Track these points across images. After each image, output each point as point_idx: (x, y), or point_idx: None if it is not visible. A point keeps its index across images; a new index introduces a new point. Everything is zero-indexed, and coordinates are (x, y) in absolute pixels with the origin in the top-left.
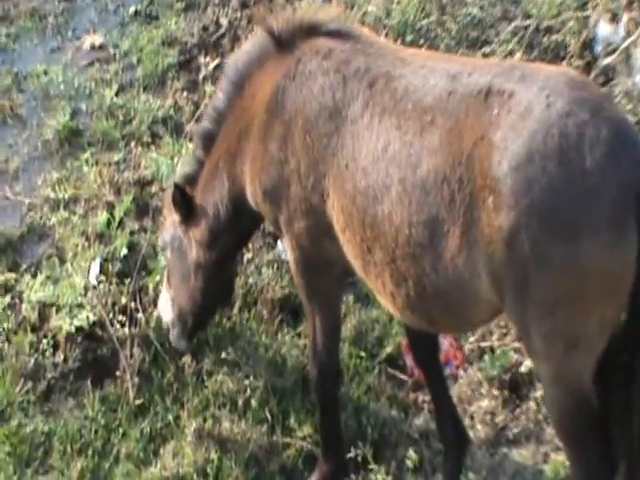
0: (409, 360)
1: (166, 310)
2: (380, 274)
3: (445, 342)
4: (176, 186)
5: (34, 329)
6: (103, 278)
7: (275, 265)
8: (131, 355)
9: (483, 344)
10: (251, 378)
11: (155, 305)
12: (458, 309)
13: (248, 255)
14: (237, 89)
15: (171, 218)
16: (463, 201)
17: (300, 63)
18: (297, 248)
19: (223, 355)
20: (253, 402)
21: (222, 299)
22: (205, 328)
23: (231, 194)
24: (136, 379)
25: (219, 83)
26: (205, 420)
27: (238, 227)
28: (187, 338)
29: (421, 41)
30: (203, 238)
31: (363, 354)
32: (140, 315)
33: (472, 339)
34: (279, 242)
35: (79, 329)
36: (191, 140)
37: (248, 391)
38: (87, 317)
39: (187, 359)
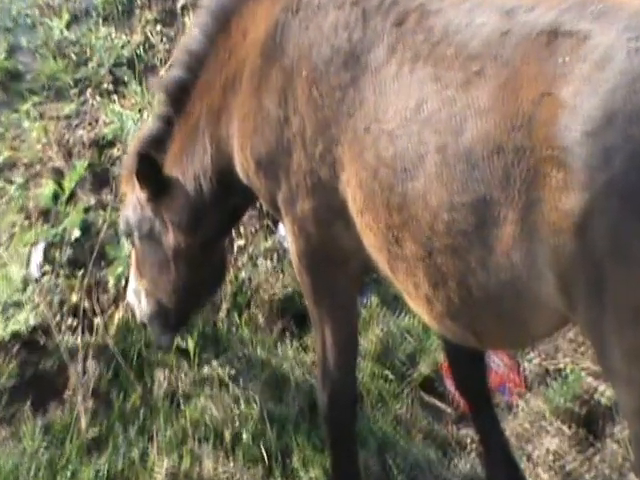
0: (450, 384)
1: (139, 305)
2: (411, 272)
3: (498, 361)
4: (141, 156)
5: None
6: (48, 268)
7: (275, 256)
8: (84, 371)
9: (548, 364)
10: (242, 403)
11: (116, 305)
12: (513, 318)
13: (239, 242)
14: (220, 24)
15: (134, 194)
16: (520, 177)
17: None
18: (301, 235)
19: (205, 371)
20: (244, 435)
21: (211, 288)
22: (191, 319)
23: (215, 163)
24: (90, 402)
25: (196, 16)
26: (181, 458)
27: (226, 204)
28: (170, 332)
29: None
30: (182, 219)
31: (390, 375)
32: (97, 319)
33: (533, 357)
34: (280, 226)
35: (15, 335)
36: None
37: (238, 420)
38: (26, 319)
39: (159, 376)
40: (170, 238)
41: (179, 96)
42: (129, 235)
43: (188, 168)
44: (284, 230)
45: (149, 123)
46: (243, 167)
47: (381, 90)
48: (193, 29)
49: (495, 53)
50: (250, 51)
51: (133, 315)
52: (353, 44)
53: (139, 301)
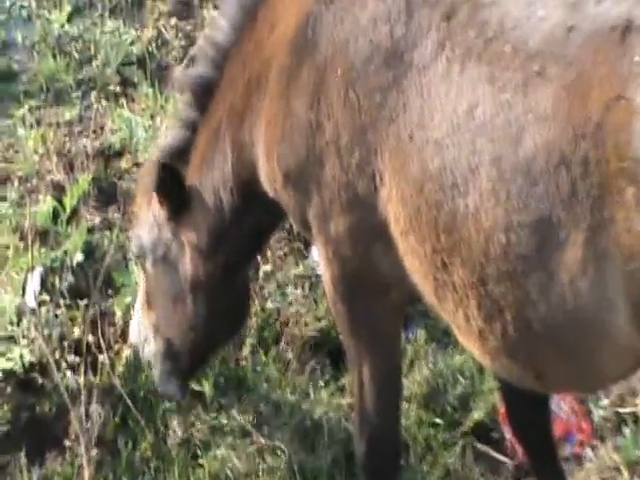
0: (508, 431)
1: (143, 342)
2: (461, 302)
3: (564, 407)
4: (164, 166)
5: None
6: (46, 298)
7: (306, 284)
8: (87, 415)
9: (622, 410)
10: (268, 454)
11: (124, 340)
12: (580, 356)
13: (266, 268)
14: (247, 15)
15: (150, 211)
16: (588, 193)
17: None
18: (335, 259)
19: (226, 417)
20: None
21: (232, 327)
22: (204, 366)
23: (237, 173)
24: (94, 452)
25: (222, 4)
26: None
27: (250, 223)
28: (178, 380)
29: None
30: (200, 242)
31: (439, 421)
32: (102, 356)
33: (605, 402)
34: (313, 249)
35: (8, 374)
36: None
37: (263, 474)
38: (21, 356)
39: (173, 423)
40: (188, 264)
41: (204, 97)
42: (140, 259)
43: (207, 179)
44: (317, 254)
45: (174, 127)
46: (269, 179)
47: (427, 92)
48: (219, 19)
49: (559, 51)
50: (278, 47)
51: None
52: (395, 40)
53: (145, 339)
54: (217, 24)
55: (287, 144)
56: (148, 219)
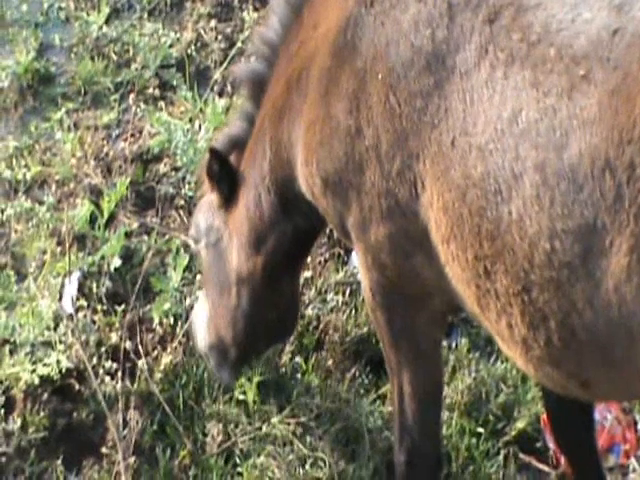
0: (551, 441)
1: (201, 329)
2: (505, 310)
3: (608, 416)
4: (212, 151)
5: None
6: (83, 303)
7: (347, 290)
8: (125, 422)
9: None
10: (309, 463)
11: (162, 346)
12: (627, 364)
13: (306, 274)
14: (293, 13)
15: (209, 196)
16: (634, 199)
17: None
18: (374, 267)
19: (266, 426)
20: None
21: (276, 329)
22: (255, 358)
23: (273, 171)
24: (132, 459)
25: (271, 1)
26: None
27: (289, 225)
28: (231, 369)
29: None
30: (243, 235)
31: (481, 430)
32: (140, 362)
33: None
34: (353, 255)
35: (45, 380)
36: (236, 88)
37: None
38: (58, 362)
39: (213, 430)
40: (233, 257)
41: (258, 91)
42: (197, 242)
43: (250, 173)
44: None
45: (235, 119)
46: (308, 183)
47: (470, 97)
48: (270, 15)
49: (605, 54)
50: (320, 47)
51: (182, 358)
52: (437, 43)
53: (202, 324)
54: (268, 21)
55: (326, 149)
56: (207, 203)
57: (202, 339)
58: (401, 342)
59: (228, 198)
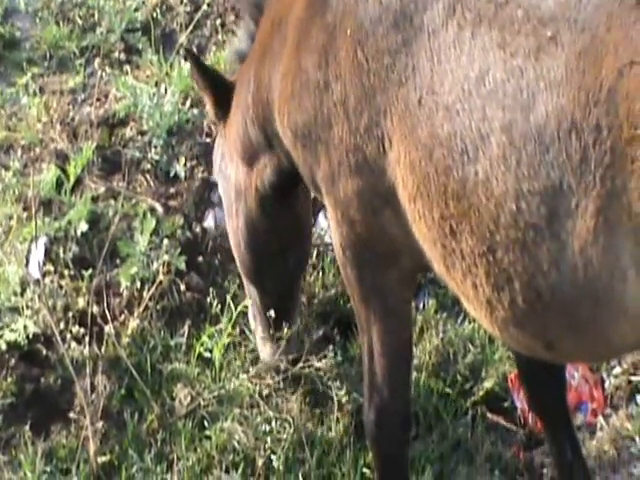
0: (520, 400)
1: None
2: (470, 270)
3: (575, 375)
4: (188, 52)
5: None
6: (50, 268)
7: (314, 252)
8: (92, 387)
9: (635, 378)
10: (276, 425)
11: (129, 311)
12: (592, 326)
13: None
14: None
15: (221, 130)
16: (600, 161)
17: None
18: (344, 222)
19: (233, 387)
20: (276, 463)
21: (284, 262)
22: (289, 309)
23: (255, 105)
24: (100, 424)
25: None
26: None
27: (274, 157)
28: (272, 340)
29: None
30: (237, 151)
31: (449, 390)
32: (107, 327)
33: (618, 370)
34: (320, 216)
35: (12, 345)
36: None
37: (271, 445)
38: (25, 327)
39: (180, 394)
40: (232, 172)
41: (256, 12)
42: (216, 175)
43: (240, 95)
44: (326, 219)
45: (240, 36)
46: (282, 131)
47: (438, 57)
48: None
49: (572, 16)
50: None
51: (149, 322)
52: (405, 2)
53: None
54: None
55: (296, 102)
56: (218, 137)
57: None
58: (371, 299)
59: (224, 112)
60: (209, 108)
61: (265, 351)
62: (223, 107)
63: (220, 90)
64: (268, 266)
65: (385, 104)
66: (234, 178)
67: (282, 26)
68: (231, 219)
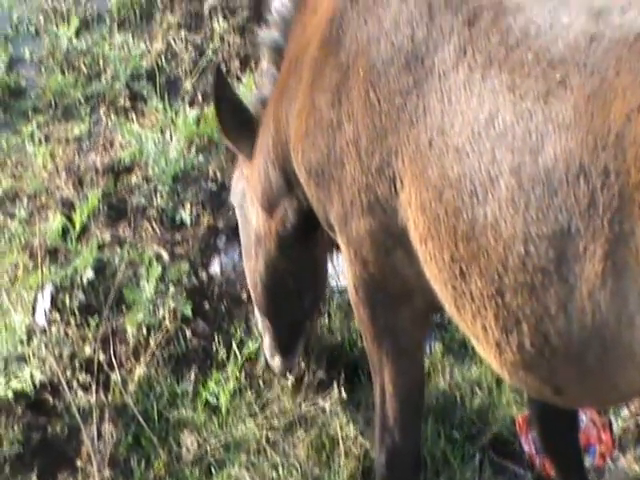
0: (527, 444)
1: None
2: (479, 313)
3: (583, 417)
4: (218, 94)
5: None
6: (56, 316)
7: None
8: (99, 435)
9: None
10: (282, 471)
11: (136, 358)
12: (600, 372)
13: None
14: None
15: (241, 162)
16: (608, 205)
17: None
18: (357, 262)
19: (239, 433)
20: None
21: (300, 303)
22: (297, 340)
23: (274, 145)
24: (107, 472)
25: None
26: None
27: (294, 199)
28: (281, 351)
29: None
30: (258, 197)
31: (456, 434)
32: (114, 374)
33: (626, 413)
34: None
35: (19, 394)
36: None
37: None
38: (31, 376)
39: (187, 440)
40: (254, 217)
41: (277, 56)
42: (234, 207)
43: (262, 139)
44: (332, 266)
45: (262, 81)
46: (298, 169)
47: (448, 98)
48: None
49: (582, 60)
50: (313, 35)
51: (156, 369)
52: (416, 43)
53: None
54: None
55: (310, 140)
56: (238, 169)
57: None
58: (383, 339)
59: (248, 153)
60: (240, 153)
61: (275, 363)
62: (247, 143)
63: (245, 126)
64: (284, 305)
65: (396, 144)
66: (255, 223)
67: (298, 65)
68: (250, 259)
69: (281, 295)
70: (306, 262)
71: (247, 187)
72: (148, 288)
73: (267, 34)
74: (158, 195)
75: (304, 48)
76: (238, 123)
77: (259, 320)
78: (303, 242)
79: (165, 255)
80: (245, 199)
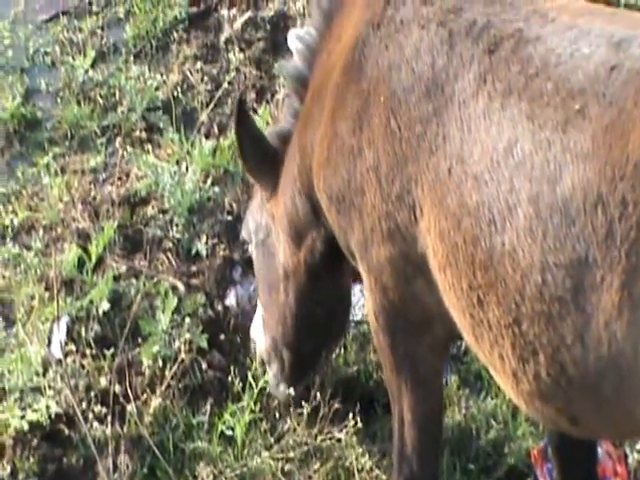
0: (542, 476)
1: (259, 335)
2: (497, 342)
3: (599, 450)
4: (241, 128)
5: None
6: (72, 348)
7: None
8: (115, 466)
9: None
10: None
11: (152, 389)
12: (615, 403)
13: None
14: (327, 22)
15: (258, 196)
16: (626, 236)
17: (389, 5)
18: (377, 289)
19: (255, 464)
20: None
21: (326, 332)
22: (313, 369)
23: (299, 174)
24: None
25: (312, 6)
26: None
27: (321, 227)
28: (288, 382)
29: None
30: (285, 230)
31: (472, 466)
32: (130, 406)
33: None
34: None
35: (35, 425)
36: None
37: None
38: (47, 407)
39: (202, 472)
40: (280, 251)
41: (300, 87)
42: (248, 244)
43: (288, 169)
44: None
45: (283, 114)
46: (319, 196)
47: (468, 126)
48: (311, 18)
49: (601, 90)
50: (336, 62)
51: (171, 401)
52: (437, 71)
53: (259, 330)
54: (307, 27)
55: (332, 167)
56: (256, 204)
57: (260, 345)
58: (403, 368)
59: (272, 189)
60: (264, 192)
61: (281, 388)
62: (269, 184)
63: (268, 160)
64: (311, 336)
65: (416, 172)
66: (282, 258)
67: (322, 93)
68: (277, 295)
69: (310, 326)
70: (334, 292)
71: (272, 222)
72: (164, 320)
73: (291, 64)
74: (174, 226)
75: (328, 75)
76: (260, 157)
77: (264, 350)
78: (331, 271)
79: (181, 287)
80: (269, 235)
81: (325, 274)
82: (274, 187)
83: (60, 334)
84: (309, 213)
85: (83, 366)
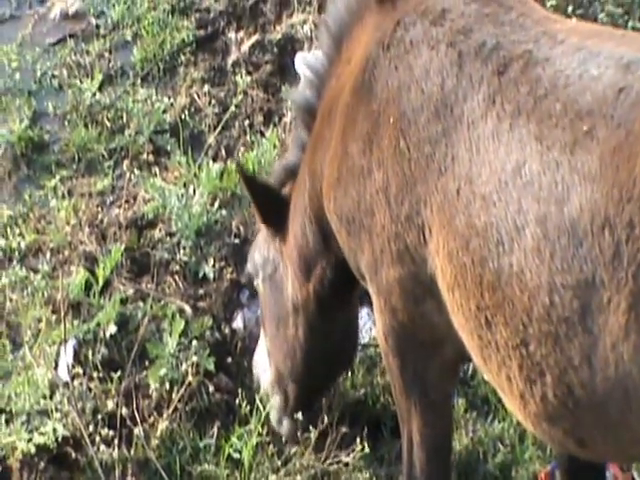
0: None
1: (263, 369)
2: (504, 363)
3: (607, 473)
4: (245, 177)
5: None
6: (79, 371)
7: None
8: None
9: None
10: None
11: (159, 412)
12: (622, 425)
13: None
14: (336, 46)
15: (264, 230)
16: (633, 258)
17: (399, 27)
18: (387, 310)
19: None
20: None
21: (335, 363)
22: (317, 402)
23: (311, 200)
24: None
25: (320, 31)
26: None
27: (332, 254)
28: (291, 416)
29: (570, 8)
30: (295, 263)
31: None
32: (137, 429)
33: None
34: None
35: (42, 449)
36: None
37: None
38: (54, 431)
39: None
40: (289, 286)
41: (308, 117)
42: (255, 278)
43: (297, 201)
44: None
45: (290, 148)
46: (330, 217)
47: (476, 147)
48: (319, 45)
49: (609, 112)
50: (346, 83)
51: (178, 424)
52: (446, 92)
53: (263, 364)
54: (316, 52)
55: (342, 188)
56: (262, 238)
57: (264, 379)
58: (412, 389)
59: (279, 226)
60: (269, 230)
61: (284, 424)
62: (277, 222)
63: (274, 204)
64: (319, 369)
65: (425, 193)
66: (291, 291)
67: (332, 114)
68: (285, 329)
69: (319, 359)
70: (343, 322)
71: (280, 257)
72: (171, 343)
73: (299, 93)
74: (181, 249)
75: (337, 96)
76: (276, 208)
77: (269, 383)
78: (340, 300)
79: (188, 310)
80: (277, 270)
81: (334, 303)
82: (283, 224)
83: (67, 357)
84: (319, 242)
85: (90, 389)
